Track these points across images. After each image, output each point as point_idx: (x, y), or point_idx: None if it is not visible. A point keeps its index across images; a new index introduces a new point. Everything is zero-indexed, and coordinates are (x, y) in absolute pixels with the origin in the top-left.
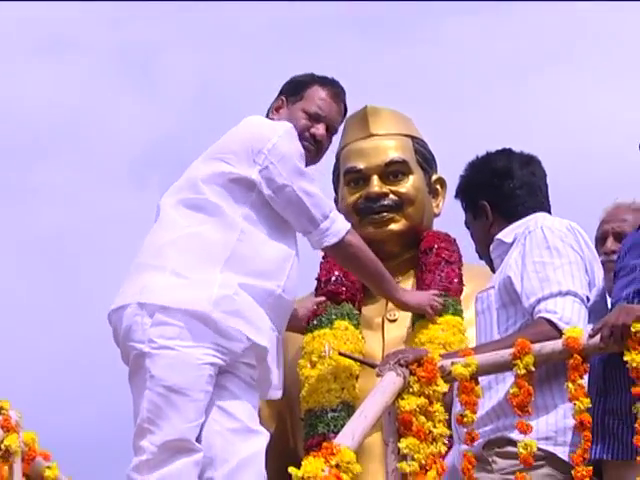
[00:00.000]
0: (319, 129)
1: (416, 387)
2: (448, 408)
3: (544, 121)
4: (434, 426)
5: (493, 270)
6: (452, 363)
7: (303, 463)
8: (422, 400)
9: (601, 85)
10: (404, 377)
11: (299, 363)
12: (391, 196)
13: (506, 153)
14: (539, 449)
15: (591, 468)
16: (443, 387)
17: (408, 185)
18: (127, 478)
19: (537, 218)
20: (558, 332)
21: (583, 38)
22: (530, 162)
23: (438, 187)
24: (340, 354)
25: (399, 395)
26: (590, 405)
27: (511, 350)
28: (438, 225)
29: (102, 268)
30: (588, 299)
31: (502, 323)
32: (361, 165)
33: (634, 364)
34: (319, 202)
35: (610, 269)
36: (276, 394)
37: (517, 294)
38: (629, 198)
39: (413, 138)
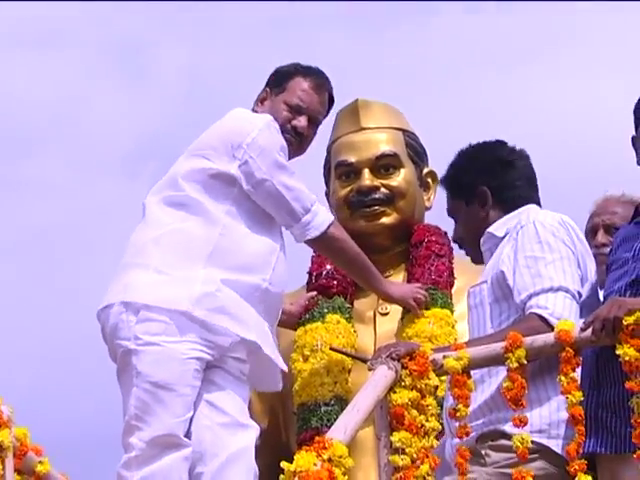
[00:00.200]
0: (300, 121)
1: (408, 381)
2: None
3: (533, 113)
4: (426, 420)
5: (475, 261)
6: (444, 356)
7: (295, 457)
8: (414, 394)
9: (594, 76)
10: (396, 371)
11: (291, 357)
12: (382, 189)
13: (504, 144)
14: (532, 442)
15: (585, 462)
16: (435, 381)
17: (399, 178)
18: (117, 475)
19: (529, 212)
20: (549, 328)
21: (574, 30)
22: (527, 155)
23: (429, 180)
24: (331, 349)
25: (391, 389)
26: (582, 398)
27: (503, 343)
28: (429, 218)
29: (94, 261)
30: (580, 295)
31: (495, 318)
32: (352, 159)
33: (627, 357)
34: (299, 195)
35: (601, 262)
36: (272, 388)
37: (510, 289)
38: (618, 190)
39: (404, 131)
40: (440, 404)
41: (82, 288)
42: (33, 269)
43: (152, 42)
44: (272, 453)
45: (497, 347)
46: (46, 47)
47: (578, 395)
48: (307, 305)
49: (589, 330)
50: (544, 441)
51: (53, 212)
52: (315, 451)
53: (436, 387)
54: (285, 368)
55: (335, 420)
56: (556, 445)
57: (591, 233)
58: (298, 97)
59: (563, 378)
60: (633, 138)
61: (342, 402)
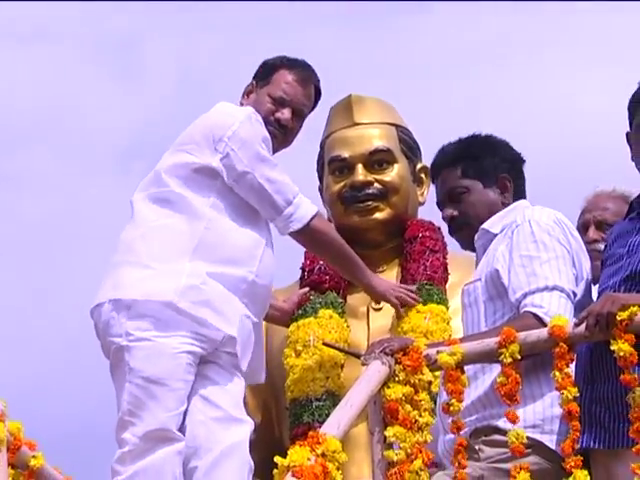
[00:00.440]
0: (284, 113)
1: (402, 376)
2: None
3: (529, 108)
4: (420, 415)
5: (464, 247)
6: (438, 352)
7: (289, 452)
8: (408, 389)
9: (589, 71)
10: (389, 366)
11: (284, 352)
12: (376, 185)
13: None
14: (526, 437)
15: (581, 458)
16: (429, 376)
17: (393, 174)
18: (111, 470)
19: (525, 210)
20: (544, 327)
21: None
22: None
23: (423, 176)
24: (324, 344)
25: (385, 384)
26: (577, 394)
27: (497, 339)
28: (423, 214)
29: (86, 256)
30: (575, 294)
31: (489, 316)
32: (346, 154)
33: (621, 353)
34: (281, 188)
35: (593, 258)
36: (257, 379)
37: (504, 287)
38: (609, 186)
39: (397, 127)
40: (434, 399)
41: (74, 283)
42: (24, 263)
43: (144, 38)
44: (265, 448)
45: (491, 342)
46: (37, 42)
47: (573, 391)
48: (300, 301)
49: (583, 325)
50: (537, 436)
51: (44, 207)
52: (309, 446)
53: (430, 382)
54: (244, 368)
55: (327, 415)
56: (549, 440)
57: (582, 229)
58: (282, 89)
59: (557, 373)
60: (627, 134)
61: (334, 397)
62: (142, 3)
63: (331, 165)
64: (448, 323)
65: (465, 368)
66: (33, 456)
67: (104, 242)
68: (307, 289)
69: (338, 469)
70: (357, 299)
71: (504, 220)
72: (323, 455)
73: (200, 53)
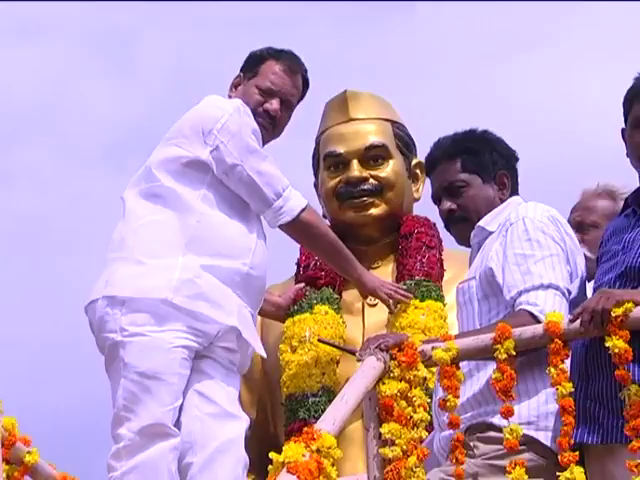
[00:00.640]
0: (273, 104)
1: (397, 372)
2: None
3: (520, 104)
4: (414, 411)
5: (460, 241)
6: (433, 348)
7: (284, 448)
8: (403, 385)
9: (580, 71)
10: (385, 362)
11: (280, 348)
12: (371, 180)
13: None
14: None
15: (577, 454)
16: (424, 372)
17: (388, 169)
18: (107, 465)
19: (519, 208)
20: (539, 324)
21: (563, 20)
22: None
23: (418, 172)
24: (319, 341)
25: (380, 380)
26: (572, 390)
27: (492, 334)
28: (418, 210)
29: (79, 251)
30: (569, 292)
31: (484, 314)
32: (341, 149)
33: (615, 350)
34: (271, 180)
35: None
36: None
37: (499, 286)
38: (593, 183)
39: (393, 122)
40: (430, 396)
41: (69, 277)
42: (17, 258)
43: (139, 33)
44: (260, 444)
45: (486, 338)
46: (31, 37)
47: (568, 386)
48: (295, 297)
49: (578, 322)
50: (532, 433)
51: (38, 203)
52: (304, 442)
53: (425, 378)
54: (264, 354)
55: (323, 411)
56: (544, 437)
57: None
58: (270, 80)
59: (553, 370)
60: (622, 130)
61: (330, 393)
62: (134, 0)
63: (326, 161)
64: (445, 320)
65: (460, 365)
66: (28, 452)
67: (99, 237)
68: (302, 285)
69: (333, 465)
70: (352, 295)
71: (499, 218)
72: (318, 451)
73: (195, 48)
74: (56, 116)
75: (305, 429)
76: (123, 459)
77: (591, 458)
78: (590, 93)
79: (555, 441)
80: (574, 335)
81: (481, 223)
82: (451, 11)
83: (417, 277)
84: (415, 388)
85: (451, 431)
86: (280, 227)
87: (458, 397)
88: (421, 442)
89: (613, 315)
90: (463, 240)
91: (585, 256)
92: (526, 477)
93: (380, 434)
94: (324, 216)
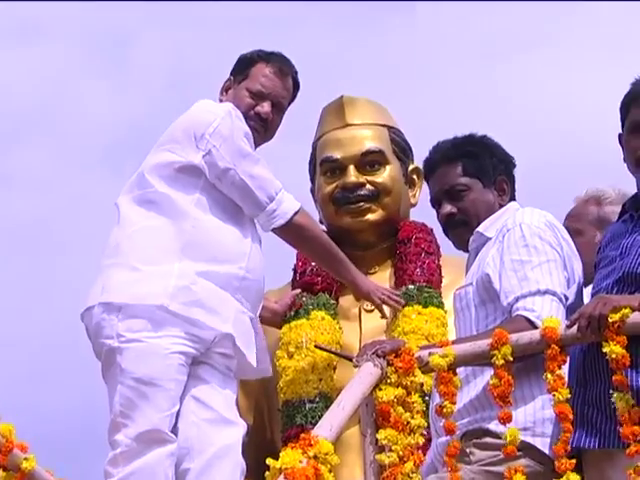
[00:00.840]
0: (264, 107)
1: (394, 378)
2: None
3: (520, 109)
4: (412, 417)
5: (458, 246)
6: (430, 354)
7: (281, 454)
8: (400, 391)
9: (580, 72)
10: (381, 368)
11: (276, 354)
12: (368, 186)
13: None
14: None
15: (574, 461)
16: (420, 378)
17: (385, 175)
18: (104, 472)
19: (515, 214)
20: (536, 330)
21: (563, 20)
22: None
23: (415, 177)
24: (316, 347)
25: (377, 386)
26: (569, 396)
27: (489, 340)
28: (414, 215)
29: (78, 252)
30: (566, 298)
31: (481, 320)
32: (337, 155)
33: (613, 355)
34: (263, 184)
35: None
36: (263, 373)
37: (495, 292)
38: (582, 191)
39: (389, 128)
40: (427, 402)
41: (68, 279)
42: (16, 261)
43: (135, 34)
44: (257, 450)
45: (483, 344)
46: (28, 39)
47: (565, 392)
48: (292, 303)
49: (575, 327)
50: (529, 439)
51: (35, 205)
52: (301, 448)
53: (422, 384)
54: (254, 363)
55: (320, 417)
56: (541, 443)
57: None
58: (260, 83)
59: (549, 375)
60: (619, 135)
61: (327, 399)
62: (135, 0)
63: (323, 166)
64: (446, 327)
65: (457, 371)
66: (25, 458)
67: (98, 238)
68: (299, 290)
69: (330, 471)
70: (349, 301)
71: (497, 223)
72: (315, 457)
73: (193, 48)
74: (55, 117)
75: (302, 435)
76: (120, 465)
77: (589, 463)
78: (590, 93)
79: (552, 447)
80: (571, 341)
81: (480, 229)
82: (451, 11)
83: (418, 283)
84: (412, 394)
85: (448, 437)
86: (273, 230)
87: (455, 403)
88: (418, 448)
89: (610, 321)
90: (461, 244)
91: None
92: None
93: (377, 440)
94: (321, 221)
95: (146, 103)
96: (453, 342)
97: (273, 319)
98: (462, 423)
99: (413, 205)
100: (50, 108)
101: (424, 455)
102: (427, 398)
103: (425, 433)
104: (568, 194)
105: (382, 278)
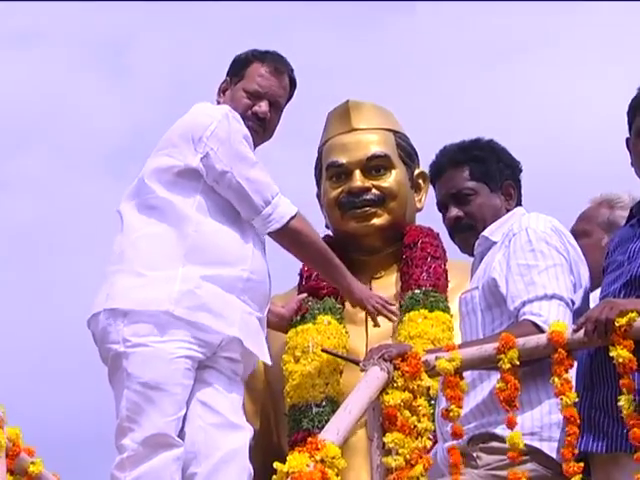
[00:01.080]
0: (261, 107)
1: (400, 382)
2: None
3: (521, 109)
4: (418, 420)
5: (463, 250)
6: (436, 358)
7: (288, 458)
8: (406, 395)
9: (585, 71)
10: (388, 372)
11: (283, 358)
12: (373, 190)
13: None
14: (524, 444)
15: (582, 464)
16: (427, 381)
17: (390, 180)
18: (110, 476)
19: (521, 218)
20: (542, 334)
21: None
22: None
23: (420, 181)
24: (323, 351)
25: (383, 390)
26: (577, 399)
27: (495, 344)
28: (420, 220)
29: (79, 260)
30: (573, 302)
31: (488, 325)
32: (343, 159)
33: (620, 359)
34: (260, 188)
35: None
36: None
37: (502, 296)
38: (597, 193)
39: (395, 132)
40: (433, 405)
41: (68, 286)
42: (16, 267)
43: (136, 39)
44: (264, 454)
45: (489, 348)
46: (29, 45)
47: (572, 396)
48: (298, 307)
49: (582, 331)
50: (536, 444)
51: (37, 211)
52: (308, 452)
53: (428, 388)
54: (269, 361)
55: (326, 422)
56: (548, 447)
57: None
58: (256, 83)
59: (556, 379)
60: (627, 139)
61: (333, 403)
62: (134, 4)
63: (329, 171)
64: (452, 332)
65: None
66: (32, 462)
67: (98, 244)
68: (305, 295)
69: (337, 475)
70: None
71: (503, 228)
72: (322, 461)
73: (193, 54)
74: (54, 123)
75: (309, 439)
76: (127, 470)
77: (596, 467)
78: (590, 93)
79: (559, 452)
80: (578, 345)
81: (485, 233)
82: (451, 11)
83: (424, 287)
84: (419, 398)
85: (454, 441)
86: (269, 234)
87: (461, 407)
88: (427, 452)
89: (617, 325)
90: (467, 249)
91: None
92: None
93: (384, 444)
94: (327, 226)
95: (148, 108)
96: (459, 346)
97: (279, 323)
98: (469, 427)
99: (419, 210)
100: (50, 113)
101: None
102: (433, 402)
103: (431, 437)
104: (569, 197)
105: (388, 283)
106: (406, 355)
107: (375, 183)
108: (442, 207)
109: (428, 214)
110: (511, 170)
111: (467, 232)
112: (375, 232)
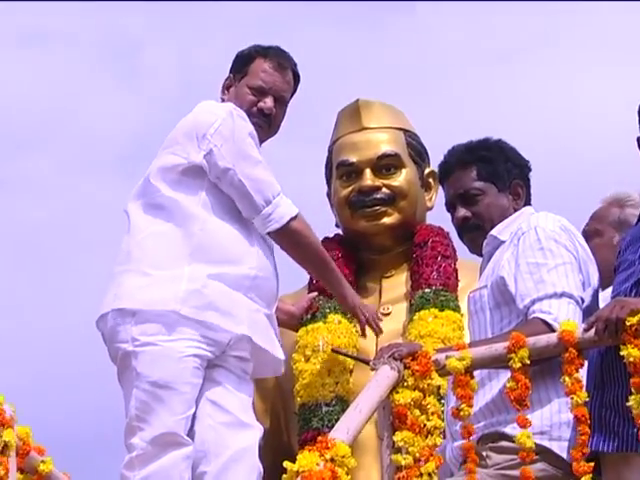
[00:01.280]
0: (266, 102)
1: (410, 381)
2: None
3: (525, 109)
4: (427, 419)
5: (472, 250)
6: (446, 357)
7: (298, 457)
8: (417, 394)
9: (586, 71)
10: (398, 371)
11: (293, 357)
12: (384, 189)
13: None
14: (534, 444)
15: (592, 464)
16: (437, 380)
17: (401, 178)
18: (120, 475)
19: (530, 217)
20: (553, 333)
21: (567, 22)
22: None
23: (431, 180)
24: (333, 351)
25: (394, 389)
26: (587, 399)
27: (506, 343)
28: (430, 219)
29: (88, 260)
30: (583, 300)
31: (496, 323)
32: (353, 158)
33: (631, 358)
34: (261, 187)
35: None
36: (277, 372)
37: (511, 295)
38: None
39: (405, 131)
40: (442, 404)
41: (78, 286)
42: (26, 268)
43: (145, 41)
44: (274, 453)
45: (500, 347)
46: (40, 45)
47: (583, 396)
48: (308, 306)
49: (592, 330)
50: (545, 443)
51: (46, 211)
52: (318, 451)
53: (438, 387)
54: (282, 356)
55: (336, 421)
56: (558, 447)
57: None
58: (260, 79)
59: (567, 379)
60: (638, 139)
61: (343, 403)
62: (144, 5)
63: (339, 170)
64: (463, 331)
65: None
66: (42, 461)
67: (106, 245)
68: (316, 293)
69: (347, 474)
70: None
71: (511, 227)
72: (332, 460)
73: (202, 57)
74: (63, 124)
75: (319, 438)
76: (136, 469)
77: (607, 467)
78: (590, 93)
79: (569, 451)
80: (588, 344)
81: (493, 232)
82: (451, 11)
83: (435, 286)
84: (429, 396)
85: (464, 440)
86: (268, 234)
87: (472, 406)
88: (436, 449)
89: (628, 324)
90: (475, 249)
91: None
92: None
93: (394, 443)
94: (337, 225)
95: (157, 110)
96: (470, 344)
97: (290, 322)
98: (478, 427)
99: (429, 209)
100: (59, 114)
101: None
102: (443, 401)
103: (441, 435)
104: (572, 197)
105: (398, 282)
106: (416, 354)
107: (385, 182)
108: (450, 207)
109: (439, 213)
110: (519, 169)
111: (475, 232)
112: (385, 231)
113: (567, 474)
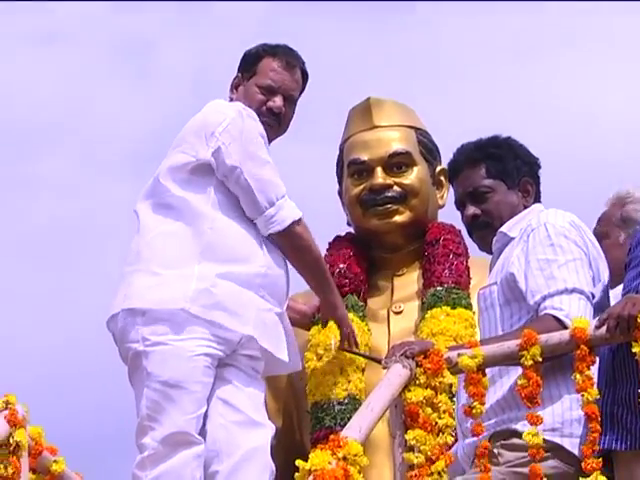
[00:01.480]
0: (276, 102)
1: (422, 379)
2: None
3: (521, 109)
4: (439, 417)
5: (482, 247)
6: (458, 355)
7: (310, 456)
8: (429, 392)
9: (602, 72)
10: (410, 369)
11: (305, 356)
12: (395, 188)
13: None
14: (545, 440)
15: (601, 460)
16: (449, 378)
17: (412, 177)
18: (132, 475)
19: (540, 214)
20: (564, 329)
21: (584, 22)
22: None
23: (442, 178)
24: (344, 350)
25: (405, 387)
26: (598, 396)
27: (518, 341)
28: (442, 217)
29: (102, 259)
30: (593, 296)
31: (506, 320)
32: (365, 157)
33: None
34: (266, 188)
35: None
36: (294, 368)
37: (521, 291)
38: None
39: (416, 129)
40: (454, 402)
41: (92, 285)
42: (40, 267)
43: (158, 40)
44: (286, 452)
45: (512, 345)
46: (53, 45)
47: (594, 393)
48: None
49: (604, 328)
50: (557, 439)
51: (60, 211)
52: (330, 449)
53: (450, 385)
54: (286, 358)
55: (349, 419)
56: (569, 444)
57: None
58: (269, 78)
59: (578, 376)
60: None
61: (356, 401)
62: (158, 5)
63: (350, 168)
64: (475, 328)
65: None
66: (54, 461)
67: (120, 245)
68: None
69: (359, 472)
70: (377, 303)
71: (521, 223)
72: (344, 459)
73: (216, 54)
74: (77, 123)
75: (331, 436)
76: (147, 468)
77: (619, 464)
78: (591, 93)
79: (580, 448)
80: (600, 341)
81: (503, 229)
82: (451, 11)
83: (447, 284)
84: (441, 394)
85: (475, 438)
86: (271, 236)
87: (484, 404)
88: (448, 448)
89: (639, 321)
90: (485, 246)
91: None
92: None
93: (406, 441)
94: (348, 224)
95: (171, 109)
96: (481, 342)
97: (301, 321)
98: (489, 424)
99: (441, 206)
100: (73, 113)
101: None
102: (455, 399)
103: (452, 434)
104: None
105: (410, 280)
106: (428, 352)
107: (397, 180)
108: (460, 205)
109: (450, 211)
110: (529, 167)
111: (484, 230)
112: (397, 229)
113: (579, 471)
